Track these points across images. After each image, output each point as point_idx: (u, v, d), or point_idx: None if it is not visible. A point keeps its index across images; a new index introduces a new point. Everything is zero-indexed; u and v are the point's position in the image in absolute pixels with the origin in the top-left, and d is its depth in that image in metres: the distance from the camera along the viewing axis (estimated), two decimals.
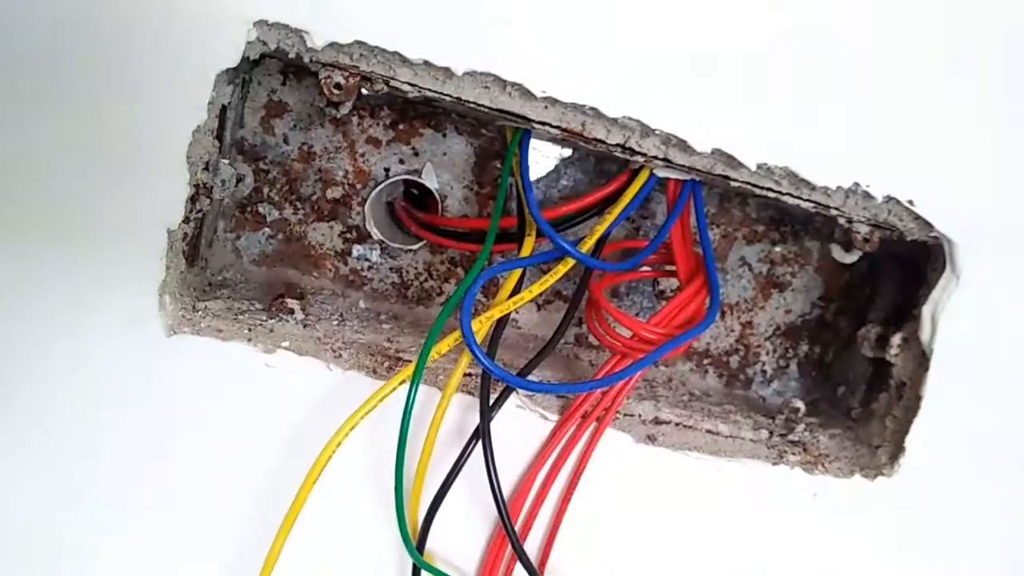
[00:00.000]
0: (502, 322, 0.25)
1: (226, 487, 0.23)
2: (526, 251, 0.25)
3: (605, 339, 0.26)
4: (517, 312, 0.29)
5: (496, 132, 0.27)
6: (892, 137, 0.24)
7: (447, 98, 0.22)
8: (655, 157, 0.24)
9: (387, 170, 0.28)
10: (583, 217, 0.27)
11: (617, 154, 0.25)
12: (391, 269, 0.29)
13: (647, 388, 0.30)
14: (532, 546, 0.25)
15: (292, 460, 0.23)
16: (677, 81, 0.22)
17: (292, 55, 0.21)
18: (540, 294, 0.26)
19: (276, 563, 0.22)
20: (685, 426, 0.27)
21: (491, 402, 0.24)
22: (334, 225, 0.28)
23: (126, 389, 0.22)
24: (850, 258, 0.28)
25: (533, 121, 0.23)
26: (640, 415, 0.27)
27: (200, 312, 0.24)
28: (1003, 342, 0.25)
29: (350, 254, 0.28)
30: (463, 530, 0.25)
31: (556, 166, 0.29)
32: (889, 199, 0.25)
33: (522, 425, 0.25)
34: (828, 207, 0.26)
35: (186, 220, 0.22)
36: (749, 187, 0.25)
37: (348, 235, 0.28)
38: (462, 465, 0.24)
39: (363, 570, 0.24)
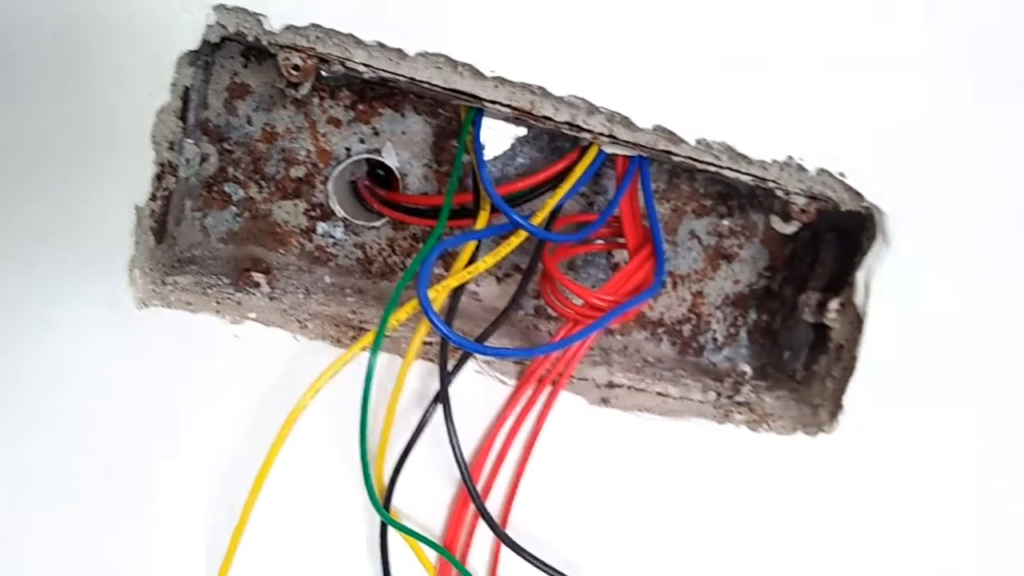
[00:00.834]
0: (458, 292, 0.26)
1: (196, 451, 0.24)
2: (480, 224, 0.26)
3: (558, 307, 0.27)
4: (478, 285, 0.30)
5: (453, 112, 0.28)
6: (823, 112, 0.25)
7: (402, 78, 0.23)
8: (601, 134, 0.25)
9: (348, 149, 0.29)
10: (537, 193, 0.28)
11: (566, 131, 0.26)
12: (355, 245, 0.30)
13: (602, 355, 0.31)
14: (494, 503, 0.27)
15: (260, 424, 0.24)
16: (619, 61, 0.23)
17: (251, 38, 0.22)
18: (496, 265, 0.27)
19: (247, 525, 0.24)
20: (637, 389, 0.28)
21: (450, 368, 0.25)
22: (298, 203, 0.29)
23: (99, 359, 0.23)
24: (789, 229, 0.29)
25: (484, 100, 0.24)
26: (594, 379, 0.28)
27: (169, 286, 0.25)
28: (930, 303, 0.27)
29: (315, 231, 0.29)
30: (428, 490, 0.26)
31: (512, 145, 0.30)
32: (822, 172, 0.26)
33: (481, 389, 0.27)
34: (766, 180, 0.27)
35: (153, 198, 0.23)
36: (691, 162, 0.27)
37: (312, 213, 0.29)
38: (423, 428, 0.25)
39: (333, 529, 0.25)
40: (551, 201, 0.27)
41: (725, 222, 0.32)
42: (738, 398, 0.30)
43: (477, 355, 0.25)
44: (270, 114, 0.28)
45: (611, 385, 0.28)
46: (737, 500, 0.27)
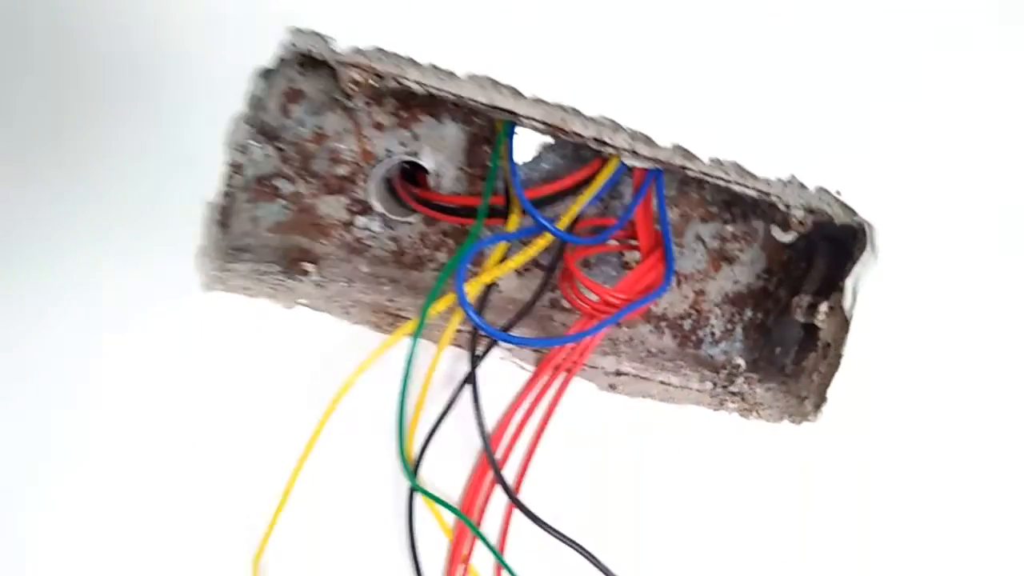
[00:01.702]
0: (489, 287, 0.29)
1: (251, 424, 0.27)
2: (512, 227, 0.29)
3: (576, 302, 0.30)
4: (503, 282, 0.33)
5: (485, 120, 0.31)
6: (824, 138, 0.28)
7: (449, 94, 0.26)
8: (624, 149, 0.28)
9: (389, 151, 0.31)
10: (560, 197, 0.31)
11: (592, 145, 0.29)
12: (390, 238, 0.33)
13: (611, 345, 0.34)
14: (509, 473, 0.30)
15: (310, 401, 0.27)
16: (644, 88, 0.26)
17: (317, 56, 0.25)
18: (522, 266, 0.31)
19: (296, 482, 0.27)
20: (642, 377, 0.32)
21: (478, 354, 0.28)
22: (340, 198, 0.32)
23: (167, 339, 0.26)
24: (787, 238, 0.32)
25: (521, 116, 0.27)
26: (604, 368, 0.32)
27: (230, 272, 0.27)
28: (910, 309, 0.30)
29: (354, 224, 0.32)
30: (452, 460, 0.29)
31: (538, 151, 0.33)
32: (820, 189, 0.29)
33: (504, 374, 0.29)
34: (769, 194, 0.30)
35: (222, 195, 0.26)
36: (703, 176, 0.30)
37: (352, 207, 0.32)
38: (452, 406, 0.28)
39: (368, 494, 0.29)
40: (574, 207, 0.30)
41: (728, 228, 0.35)
42: (732, 388, 0.33)
43: (503, 343, 0.28)
44: (320, 117, 0.31)
45: (618, 373, 0.31)
46: (728, 480, 0.31)
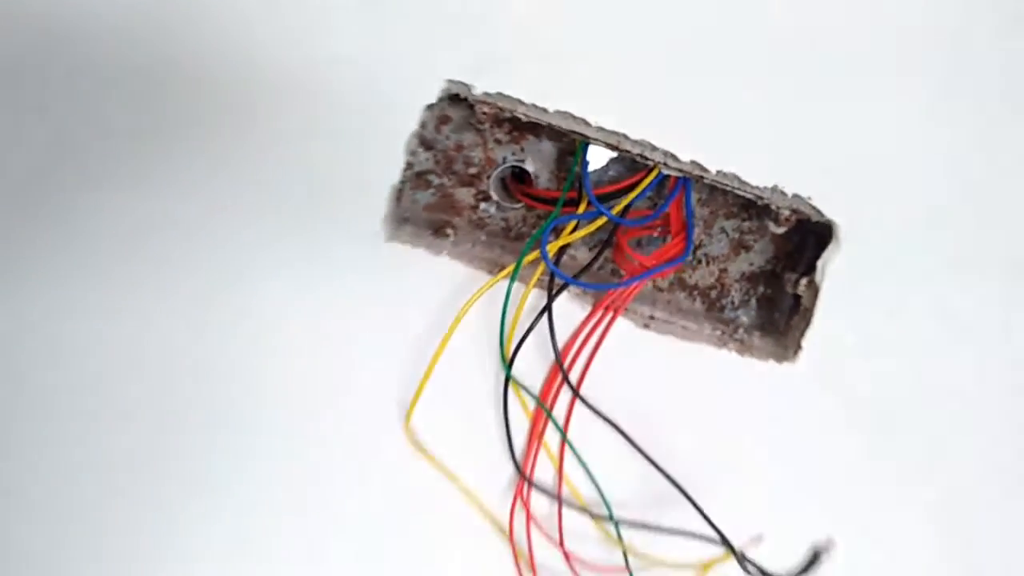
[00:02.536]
0: (562, 250, 0.40)
1: (407, 325, 0.38)
2: (580, 210, 0.41)
3: (625, 265, 0.42)
4: (575, 250, 0.43)
5: (569, 140, 0.40)
6: (797, 156, 0.37)
7: (543, 122, 0.39)
8: (659, 162, 0.40)
9: (504, 158, 0.41)
10: (619, 194, 0.40)
11: (638, 159, 0.39)
12: (501, 218, 0.44)
13: (652, 302, 0.46)
14: (572, 377, 0.39)
15: (446, 312, 0.38)
16: (670, 123, 0.36)
17: (461, 96, 0.39)
18: (588, 236, 0.41)
19: (433, 370, 0.39)
20: (668, 322, 0.41)
21: (553, 292, 0.39)
22: (470, 189, 0.43)
23: (364, 265, 0.38)
24: (780, 231, 0.41)
25: (590, 137, 0.40)
26: (642, 312, 0.41)
27: (401, 232, 0.41)
28: (863, 282, 0.38)
29: (478, 208, 0.43)
30: (534, 364, 0.39)
31: (607, 162, 0.41)
32: (796, 195, 0.40)
33: (570, 309, 0.39)
34: (762, 198, 0.38)
35: (398, 182, 0.40)
36: (716, 183, 0.41)
37: (478, 196, 0.43)
38: (535, 326, 0.39)
39: (479, 382, 0.39)
40: (625, 200, 0.39)
41: (745, 224, 0.42)
42: (735, 336, 0.42)
43: (571, 286, 0.40)
44: (460, 135, 0.41)
45: (652, 318, 0.41)
46: (725, 398, 0.40)
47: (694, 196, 0.42)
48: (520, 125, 0.40)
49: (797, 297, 0.41)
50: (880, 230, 0.38)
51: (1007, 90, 0.36)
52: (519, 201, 0.42)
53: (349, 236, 0.39)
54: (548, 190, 0.42)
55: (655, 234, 0.42)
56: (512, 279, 0.38)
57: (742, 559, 0.35)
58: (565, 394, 0.40)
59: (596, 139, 0.37)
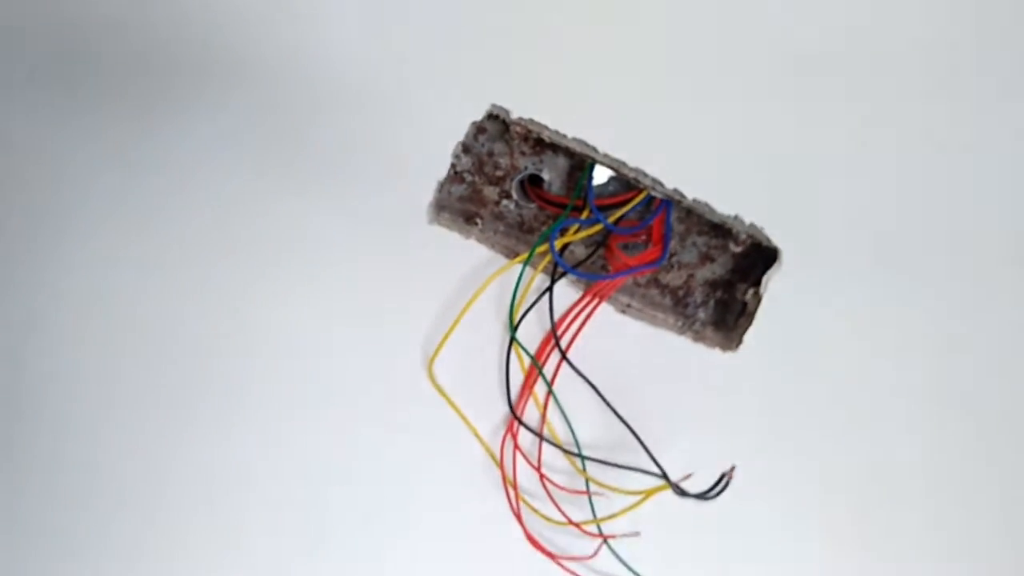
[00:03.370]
0: (566, 245, 0.52)
1: (436, 293, 0.47)
2: (583, 216, 0.49)
3: (613, 262, 0.52)
4: (573, 244, 0.50)
5: (580, 159, 0.47)
6: (753, 195, 0.44)
7: (561, 144, 0.50)
8: (648, 186, 0.50)
9: (525, 166, 0.48)
10: (615, 207, 0.48)
11: (632, 181, 0.50)
12: (518, 214, 0.54)
13: (631, 293, 0.57)
14: (562, 344, 0.47)
15: (468, 285, 0.46)
16: (658, 161, 0.43)
17: (499, 117, 0.49)
18: (586, 238, 0.50)
19: (455, 329, 0.49)
20: (641, 311, 0.50)
21: (555, 277, 0.48)
22: (496, 188, 0.52)
23: (410, 242, 0.47)
24: (737, 249, 0.49)
25: (598, 160, 0.50)
26: (621, 300, 0.48)
27: (440, 217, 0.52)
28: (796, 297, 0.46)
29: (500, 204, 0.51)
30: (532, 332, 0.48)
31: (608, 179, 0.48)
32: (753, 224, 0.50)
33: (567, 292, 0.47)
34: (726, 223, 0.47)
35: (446, 179, 0.51)
36: (692, 207, 0.52)
37: (501, 194, 0.51)
38: (538, 302, 0.48)
39: (488, 340, 0.48)
40: (619, 212, 0.46)
41: (712, 241, 0.49)
42: (693, 328, 0.54)
43: (569, 275, 0.50)
44: (493, 144, 0.49)
45: (629, 306, 0.53)
46: (678, 373, 0.48)
47: (674, 215, 0.52)
48: (542, 142, 0.47)
49: (744, 303, 0.50)
50: (813, 260, 0.46)
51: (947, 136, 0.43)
52: (534, 202, 0.49)
53: (401, 217, 0.49)
54: (558, 196, 0.50)
55: (640, 241, 0.49)
56: (525, 264, 0.49)
57: (675, 487, 0.46)
58: (555, 357, 0.48)
59: (602, 162, 0.46)
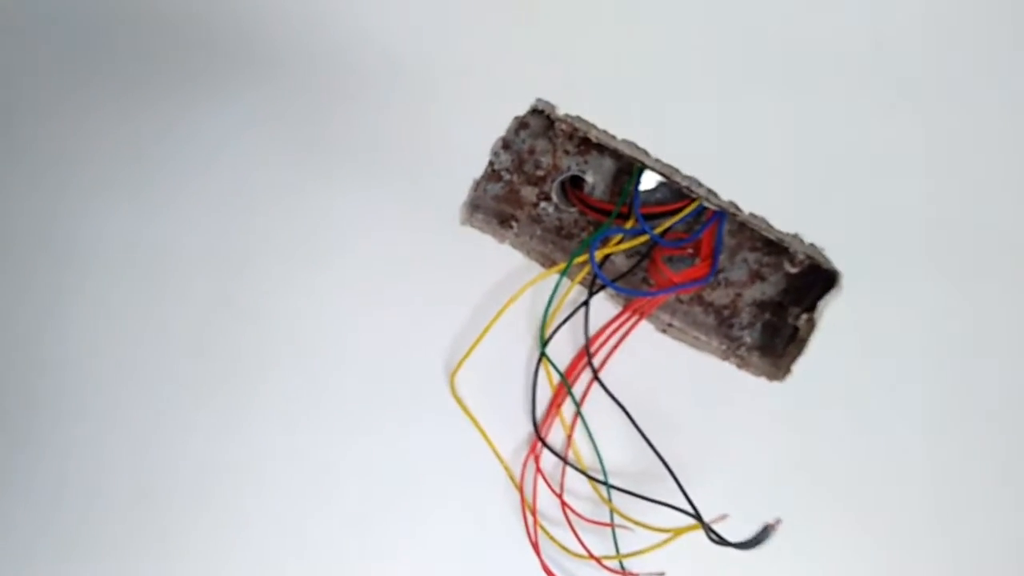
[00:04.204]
0: (607, 257, 0.49)
1: (467, 298, 0.44)
2: (628, 226, 0.47)
3: (656, 277, 0.49)
4: (616, 257, 0.49)
5: (628, 162, 0.49)
6: (818, 216, 0.41)
7: (611, 145, 0.46)
8: (701, 196, 0.47)
9: (568, 167, 0.46)
10: (661, 216, 0.45)
11: (684, 190, 0.47)
12: (557, 218, 0.51)
13: (672, 311, 0.53)
14: (594, 363, 0.45)
15: (501, 293, 0.44)
16: (715, 171, 0.41)
17: (545, 112, 0.45)
18: (629, 249, 0.50)
19: (484, 338, 0.46)
20: (683, 331, 0.47)
21: (593, 290, 0.45)
22: (535, 189, 0.49)
23: (441, 240, 0.45)
24: (793, 270, 0.47)
25: (648, 165, 0.47)
26: (662, 318, 0.47)
27: (474, 217, 0.49)
28: (855, 328, 0.43)
29: (538, 205, 0.49)
30: (563, 348, 0.46)
31: (656, 185, 0.46)
32: (813, 244, 0.46)
33: (604, 307, 0.45)
34: (783, 241, 0.45)
35: (482, 178, 0.47)
36: (747, 222, 0.48)
37: (540, 195, 0.49)
38: (573, 315, 0.45)
39: (513, 358, 0.46)
40: (667, 223, 0.44)
41: (765, 258, 0.47)
42: (738, 352, 0.51)
43: (608, 288, 0.48)
44: (535, 141, 0.47)
45: (671, 325, 0.50)
46: (718, 401, 0.45)
47: (726, 228, 0.49)
48: (588, 142, 0.45)
49: (796, 328, 0.47)
50: (878, 287, 0.43)
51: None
52: (574, 206, 0.47)
53: (431, 216, 0.46)
54: (602, 201, 0.48)
55: (686, 254, 0.48)
56: (562, 275, 0.45)
57: (708, 529, 0.42)
58: (586, 376, 0.46)
59: (653, 167, 0.43)
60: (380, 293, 0.45)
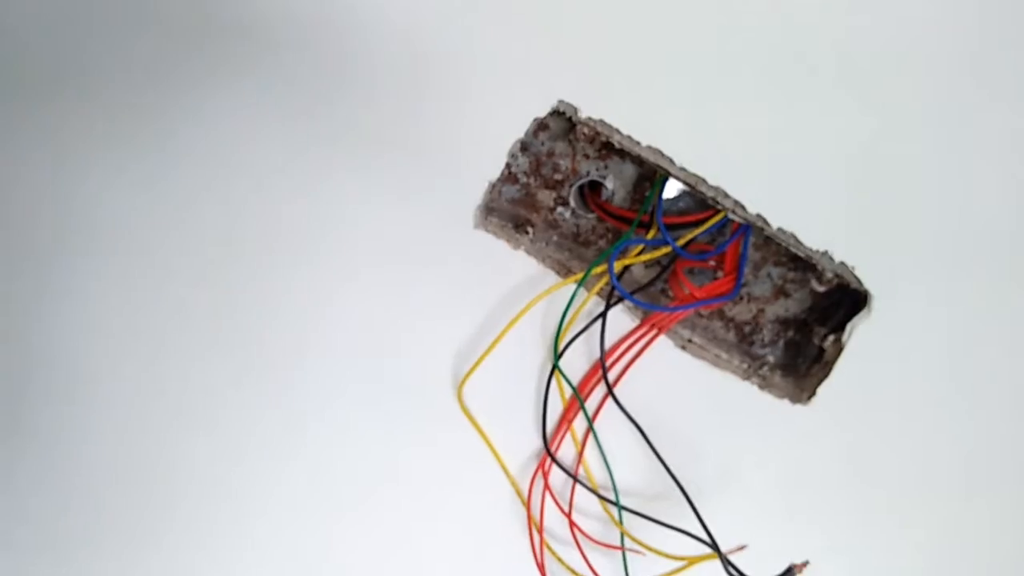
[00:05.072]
0: (626, 268, 0.48)
1: (479, 306, 0.44)
2: (649, 236, 0.45)
3: (676, 290, 0.47)
4: (634, 267, 0.49)
5: (651, 169, 0.47)
6: (849, 233, 0.40)
7: (634, 151, 0.44)
8: (728, 208, 0.45)
9: (588, 171, 0.45)
10: (684, 226, 0.45)
11: (710, 201, 0.46)
12: (574, 224, 0.50)
13: (692, 326, 0.51)
14: (609, 378, 0.45)
15: (514, 302, 0.44)
16: (743, 184, 0.40)
17: (566, 114, 0.43)
18: (648, 261, 0.48)
19: (496, 347, 0.45)
20: (703, 347, 0.47)
21: (610, 302, 0.45)
22: (552, 193, 0.48)
23: (453, 243, 0.43)
24: (821, 288, 0.44)
25: (672, 173, 0.45)
26: (682, 335, 0.46)
27: (488, 221, 0.47)
28: (883, 349, 0.42)
29: (555, 210, 0.48)
30: (577, 361, 0.45)
31: (679, 193, 0.45)
32: (843, 263, 0.45)
33: (622, 319, 0.44)
34: (811, 258, 0.43)
35: (498, 180, 0.45)
36: (774, 236, 0.46)
37: (557, 200, 0.48)
38: (589, 327, 0.45)
39: (524, 370, 0.45)
40: (690, 234, 0.43)
41: (790, 274, 0.46)
42: (760, 372, 0.49)
43: (626, 300, 0.46)
44: (553, 143, 0.46)
45: (690, 341, 0.48)
46: (738, 423, 0.45)
47: (751, 242, 0.47)
48: (609, 146, 0.45)
49: (822, 349, 0.45)
50: (909, 309, 0.42)
51: None
52: (592, 212, 0.47)
53: (444, 219, 0.44)
54: (621, 208, 0.47)
55: (708, 267, 0.47)
56: (578, 286, 0.43)
57: (725, 561, 0.40)
58: (600, 391, 0.45)
59: (677, 176, 0.42)
60: (387, 298, 0.43)
